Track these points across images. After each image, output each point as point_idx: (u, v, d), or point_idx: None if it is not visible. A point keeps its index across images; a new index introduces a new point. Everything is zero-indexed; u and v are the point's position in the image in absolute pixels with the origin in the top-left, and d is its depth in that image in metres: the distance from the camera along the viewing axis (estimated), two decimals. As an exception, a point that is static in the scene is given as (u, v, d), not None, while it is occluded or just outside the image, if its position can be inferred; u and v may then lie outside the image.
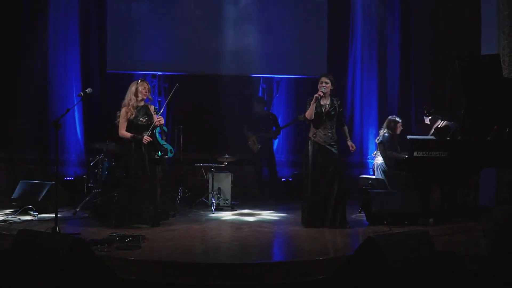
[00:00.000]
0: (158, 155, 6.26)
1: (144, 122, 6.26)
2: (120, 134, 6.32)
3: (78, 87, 9.31)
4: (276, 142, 9.37)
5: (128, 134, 6.26)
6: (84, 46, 9.48)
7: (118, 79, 9.23)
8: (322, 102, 6.35)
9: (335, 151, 6.36)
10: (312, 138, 6.37)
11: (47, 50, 9.36)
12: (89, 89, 6.15)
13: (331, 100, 6.40)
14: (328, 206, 6.28)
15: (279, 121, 9.38)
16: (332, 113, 6.35)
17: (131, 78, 8.99)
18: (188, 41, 9.52)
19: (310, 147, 6.36)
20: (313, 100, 6.26)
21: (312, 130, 6.40)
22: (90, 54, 9.53)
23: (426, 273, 4.22)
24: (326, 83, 6.34)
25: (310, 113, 6.29)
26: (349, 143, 6.53)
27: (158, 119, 6.25)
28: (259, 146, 8.74)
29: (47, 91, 9.36)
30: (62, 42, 9.41)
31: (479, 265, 4.78)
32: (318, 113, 6.30)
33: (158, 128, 6.32)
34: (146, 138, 6.19)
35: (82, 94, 6.09)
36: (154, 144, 6.27)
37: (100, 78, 9.49)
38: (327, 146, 6.32)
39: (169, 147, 6.45)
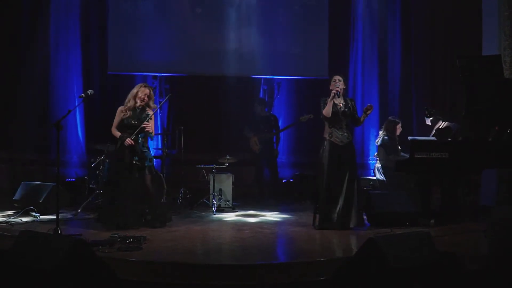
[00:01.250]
0: (135, 160, 6.22)
1: (134, 124, 6.23)
2: (111, 131, 6.35)
3: (79, 88, 9.35)
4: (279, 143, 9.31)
5: (117, 133, 6.28)
6: (85, 47, 9.51)
7: (119, 80, 9.27)
8: (336, 101, 6.30)
9: (351, 151, 6.36)
10: (328, 138, 6.29)
11: (48, 51, 9.39)
12: (90, 90, 6.15)
13: (345, 100, 6.39)
14: (345, 206, 6.20)
15: (280, 122, 9.40)
16: (348, 112, 6.32)
17: (132, 79, 9.07)
18: (189, 42, 9.54)
19: (326, 148, 6.28)
20: (331, 96, 6.22)
21: (328, 130, 6.32)
22: (91, 55, 9.56)
23: (426, 273, 4.22)
24: (340, 80, 6.33)
25: (327, 110, 6.22)
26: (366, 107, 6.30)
27: (145, 125, 6.18)
28: (261, 147, 8.74)
29: (48, 92, 9.40)
30: (63, 43, 9.44)
31: (479, 265, 4.78)
32: (333, 112, 6.24)
33: (142, 134, 6.25)
34: (128, 140, 6.16)
35: (84, 96, 6.09)
36: (134, 149, 6.25)
37: (101, 79, 9.51)
38: (343, 145, 6.28)
39: (149, 155, 6.32)
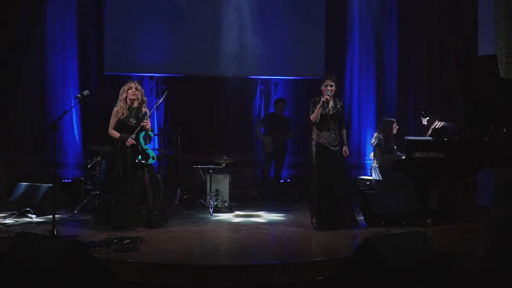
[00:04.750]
0: (137, 159, 6.22)
1: (133, 124, 6.23)
2: (109, 132, 6.33)
3: (75, 89, 9.33)
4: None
5: (116, 134, 6.26)
6: (82, 48, 9.50)
7: (115, 81, 9.22)
8: (326, 104, 6.29)
9: (339, 152, 6.33)
10: (316, 139, 6.28)
11: (45, 52, 9.37)
12: (86, 91, 6.14)
13: (334, 101, 6.35)
14: (338, 206, 6.23)
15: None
16: (336, 114, 6.31)
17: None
18: (185, 42, 9.53)
19: (314, 149, 6.28)
20: (320, 104, 6.18)
21: (316, 131, 6.31)
22: (88, 55, 9.54)
23: (424, 274, 4.23)
24: (331, 86, 6.25)
25: (315, 116, 6.21)
26: (344, 148, 6.45)
27: (145, 123, 6.20)
28: (273, 147, 8.73)
29: (45, 93, 9.37)
30: (60, 44, 9.42)
31: (477, 265, 4.79)
32: (322, 115, 6.23)
33: (143, 132, 6.26)
34: (130, 140, 6.15)
35: (80, 96, 6.08)
36: (136, 148, 6.24)
37: (97, 80, 9.49)
38: (331, 147, 6.27)
39: (151, 153, 6.33)
